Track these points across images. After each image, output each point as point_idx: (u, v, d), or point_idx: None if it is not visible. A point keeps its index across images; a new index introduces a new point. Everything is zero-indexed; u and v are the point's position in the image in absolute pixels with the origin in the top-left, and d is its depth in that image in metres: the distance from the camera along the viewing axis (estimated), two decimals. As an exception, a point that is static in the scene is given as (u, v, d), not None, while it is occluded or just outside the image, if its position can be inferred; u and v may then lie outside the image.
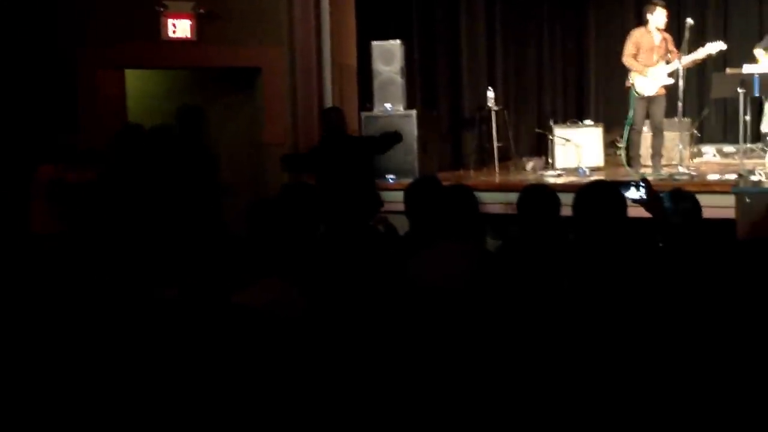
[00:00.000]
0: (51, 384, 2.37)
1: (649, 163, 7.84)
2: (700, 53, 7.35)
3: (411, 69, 8.47)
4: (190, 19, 7.33)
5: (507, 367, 2.40)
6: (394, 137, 6.57)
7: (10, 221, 5.85)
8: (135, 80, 7.78)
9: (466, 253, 3.27)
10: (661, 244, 3.45)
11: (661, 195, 3.53)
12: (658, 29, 7.48)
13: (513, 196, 3.67)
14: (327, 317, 2.67)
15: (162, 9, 7.25)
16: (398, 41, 7.98)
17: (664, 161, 7.84)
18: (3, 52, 6.71)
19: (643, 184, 3.51)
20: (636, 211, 3.51)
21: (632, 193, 3.51)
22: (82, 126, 6.91)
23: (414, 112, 7.87)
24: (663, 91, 7.50)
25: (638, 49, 7.48)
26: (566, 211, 3.47)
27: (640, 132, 7.69)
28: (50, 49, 6.91)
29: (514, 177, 8.50)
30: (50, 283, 4.14)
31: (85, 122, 6.97)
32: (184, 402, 2.20)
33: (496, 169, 8.82)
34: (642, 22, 7.75)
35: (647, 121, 7.73)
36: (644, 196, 3.49)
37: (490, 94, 9.07)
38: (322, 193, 6.05)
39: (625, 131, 7.82)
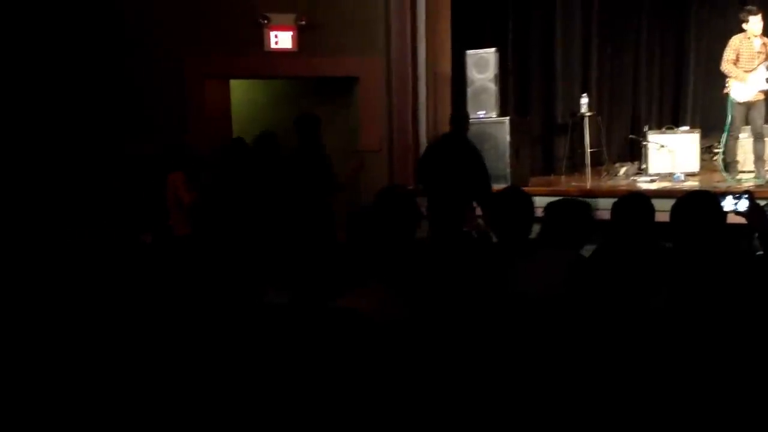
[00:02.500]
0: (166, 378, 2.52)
1: (747, 168, 7.70)
2: None
3: (505, 76, 8.56)
4: (292, 31, 7.65)
5: (605, 376, 2.43)
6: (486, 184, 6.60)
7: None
8: (239, 89, 8.15)
9: (564, 261, 3.25)
10: (759, 253, 3.43)
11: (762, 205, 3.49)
12: (757, 35, 7.36)
13: (604, 202, 3.64)
14: (427, 323, 2.71)
15: (265, 21, 7.59)
16: (493, 50, 8.09)
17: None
18: (115, 66, 7.16)
19: (746, 196, 3.49)
20: (732, 217, 3.51)
21: (733, 205, 3.49)
22: (191, 132, 7.29)
23: (507, 119, 7.95)
24: (762, 97, 7.37)
25: (738, 56, 7.39)
26: (660, 216, 3.47)
27: (737, 138, 7.57)
28: (159, 61, 7.34)
29: (606, 182, 8.46)
30: (166, 285, 4.42)
31: (192, 129, 7.35)
32: (292, 403, 2.29)
33: (588, 174, 8.80)
34: (743, 26, 7.63)
35: (745, 127, 7.60)
36: (746, 208, 3.47)
37: (584, 100, 9.07)
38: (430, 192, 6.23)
39: (722, 137, 7.71)
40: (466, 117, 6.86)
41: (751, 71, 7.31)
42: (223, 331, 2.60)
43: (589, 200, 3.71)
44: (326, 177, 6.11)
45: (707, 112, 10.54)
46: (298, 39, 7.68)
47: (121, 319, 3.12)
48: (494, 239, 4.21)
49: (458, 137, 6.57)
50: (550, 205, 3.53)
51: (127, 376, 2.58)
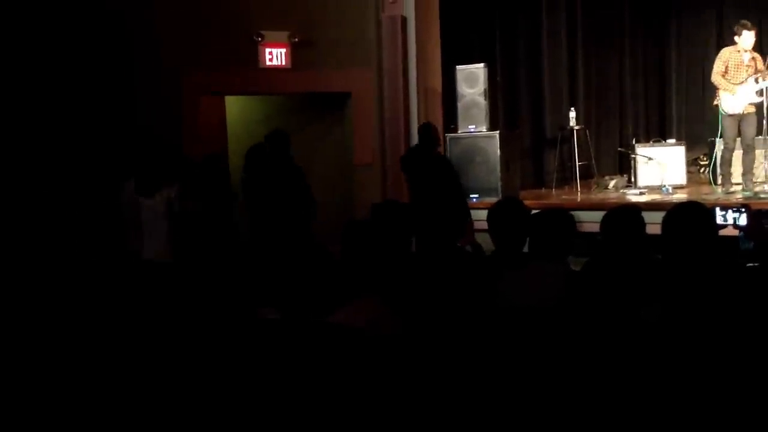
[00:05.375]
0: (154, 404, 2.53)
1: (735, 180, 7.81)
2: None
3: (494, 90, 8.65)
4: (285, 48, 7.76)
5: (597, 387, 2.45)
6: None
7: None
8: (235, 105, 8.23)
9: (555, 273, 3.29)
10: (750, 264, 3.45)
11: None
12: (747, 50, 7.49)
13: (594, 215, 3.68)
14: (421, 337, 2.72)
15: (259, 39, 7.69)
16: (482, 65, 8.21)
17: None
18: (114, 81, 7.22)
19: (744, 209, 3.54)
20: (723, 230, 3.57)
21: (732, 218, 3.54)
22: (185, 148, 7.34)
23: (497, 133, 8.05)
24: (752, 109, 7.46)
25: (727, 68, 7.50)
26: (650, 229, 3.50)
27: (732, 150, 7.60)
28: (157, 77, 7.41)
29: (596, 195, 8.57)
30: (154, 303, 4.41)
31: (188, 145, 7.40)
32: (285, 420, 2.31)
33: (578, 187, 8.92)
34: (723, 40, 7.77)
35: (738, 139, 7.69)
36: (744, 222, 3.52)
37: (572, 113, 9.20)
38: (415, 206, 6.31)
39: (716, 149, 7.79)
40: (434, 129, 6.95)
41: (739, 84, 7.44)
42: (215, 346, 2.61)
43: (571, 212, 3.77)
44: (303, 190, 6.16)
45: (691, 125, 10.71)
46: (292, 56, 7.78)
47: (115, 331, 3.16)
48: (487, 253, 4.27)
49: (428, 150, 6.67)
50: (533, 216, 3.58)
51: (121, 385, 2.61)
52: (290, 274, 2.82)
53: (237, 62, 7.67)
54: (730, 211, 3.57)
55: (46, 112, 6.82)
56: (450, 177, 6.59)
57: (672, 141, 9.50)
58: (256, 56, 7.71)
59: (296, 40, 7.75)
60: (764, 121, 7.40)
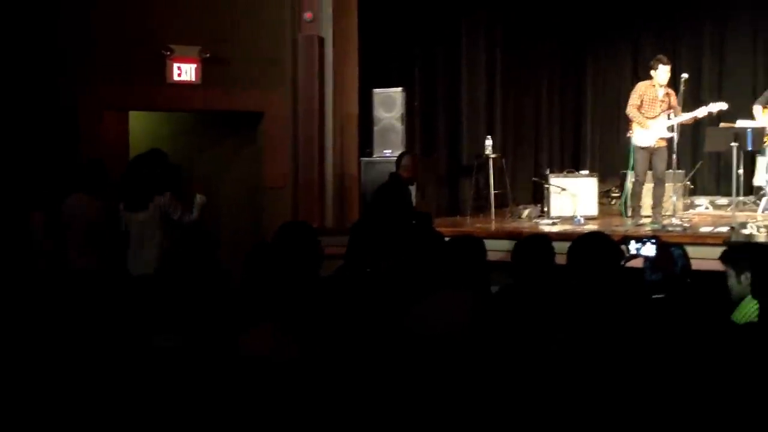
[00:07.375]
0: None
1: (644, 213, 7.93)
2: (702, 111, 7.53)
3: (411, 116, 8.62)
4: (196, 63, 7.50)
5: (501, 415, 2.42)
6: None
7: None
8: (139, 122, 7.90)
9: (465, 302, 3.27)
10: (656, 296, 3.48)
11: (671, 249, 3.54)
12: (662, 85, 7.63)
13: (508, 244, 3.71)
14: (321, 364, 2.66)
15: (168, 53, 7.39)
16: (399, 89, 8.16)
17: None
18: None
19: (653, 240, 3.55)
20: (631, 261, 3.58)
21: (638, 249, 3.54)
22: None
23: (412, 159, 7.97)
24: (663, 143, 7.62)
25: (642, 102, 7.63)
26: (561, 259, 3.52)
27: (642, 183, 7.75)
28: (51, 92, 6.97)
29: (510, 224, 8.59)
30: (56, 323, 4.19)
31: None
32: None
33: (493, 216, 8.92)
34: (638, 75, 7.93)
35: (649, 173, 7.82)
36: (653, 253, 3.52)
37: (488, 142, 9.22)
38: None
39: (627, 181, 7.91)
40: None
41: (652, 118, 7.56)
42: (108, 376, 2.51)
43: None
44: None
45: (605, 157, 10.95)
46: (203, 71, 7.52)
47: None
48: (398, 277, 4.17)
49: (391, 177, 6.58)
50: (443, 244, 3.58)
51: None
52: (187, 299, 2.74)
53: (142, 76, 7.35)
54: (633, 242, 3.60)
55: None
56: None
57: (585, 172, 9.65)
58: (163, 70, 7.41)
59: (207, 55, 7.49)
60: (673, 155, 7.55)
